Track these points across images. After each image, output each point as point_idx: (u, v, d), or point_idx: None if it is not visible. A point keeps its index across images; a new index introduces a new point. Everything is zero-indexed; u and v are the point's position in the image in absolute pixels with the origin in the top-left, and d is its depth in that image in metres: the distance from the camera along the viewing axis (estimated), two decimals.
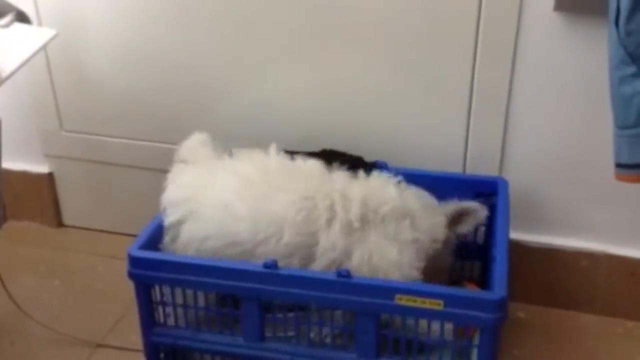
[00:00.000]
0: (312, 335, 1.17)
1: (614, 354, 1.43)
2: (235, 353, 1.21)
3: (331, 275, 1.11)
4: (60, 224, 1.81)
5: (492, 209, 1.35)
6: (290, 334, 1.18)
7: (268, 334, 1.19)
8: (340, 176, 1.26)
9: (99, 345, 1.43)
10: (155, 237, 1.25)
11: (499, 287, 1.07)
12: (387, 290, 1.09)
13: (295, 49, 1.46)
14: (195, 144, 1.34)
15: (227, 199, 1.20)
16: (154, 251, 1.22)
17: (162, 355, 1.25)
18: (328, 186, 1.22)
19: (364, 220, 1.20)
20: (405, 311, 1.10)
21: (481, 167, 1.44)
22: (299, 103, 1.51)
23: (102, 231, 1.78)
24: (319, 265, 1.18)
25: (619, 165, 1.19)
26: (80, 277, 1.64)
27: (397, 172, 1.37)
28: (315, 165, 1.26)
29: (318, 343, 1.18)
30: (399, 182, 1.26)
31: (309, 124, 1.52)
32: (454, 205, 1.26)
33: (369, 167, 1.41)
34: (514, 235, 1.43)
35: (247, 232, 1.18)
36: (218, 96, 1.55)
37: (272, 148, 1.28)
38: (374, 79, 1.45)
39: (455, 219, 1.26)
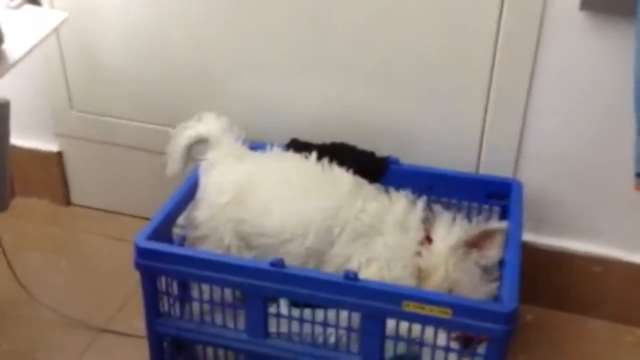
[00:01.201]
0: (316, 333, 1.16)
1: None
2: (238, 348, 1.20)
3: (338, 277, 1.09)
4: (68, 202, 1.80)
5: (505, 211, 1.33)
6: (295, 330, 1.17)
7: (272, 329, 1.17)
8: (368, 192, 1.28)
9: (103, 330, 1.43)
10: (164, 226, 1.24)
11: (510, 298, 1.05)
12: (394, 295, 1.07)
13: (309, 39, 1.43)
14: (217, 127, 1.35)
15: (266, 193, 1.26)
16: (160, 241, 1.20)
17: (165, 344, 1.24)
18: (354, 201, 1.25)
19: (372, 228, 1.23)
20: (412, 318, 1.08)
21: (495, 167, 1.41)
22: (313, 97, 1.49)
23: (109, 212, 1.76)
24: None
25: (638, 175, 1.16)
26: (87, 258, 1.64)
27: (408, 169, 1.36)
28: (348, 179, 1.29)
29: (322, 343, 1.16)
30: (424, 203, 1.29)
31: (320, 116, 1.49)
32: (477, 228, 1.24)
33: (380, 163, 1.39)
34: (526, 236, 1.40)
35: (275, 228, 1.23)
36: (227, 81, 1.52)
37: (313, 155, 1.32)
38: (389, 74, 1.42)
39: (480, 242, 1.23)
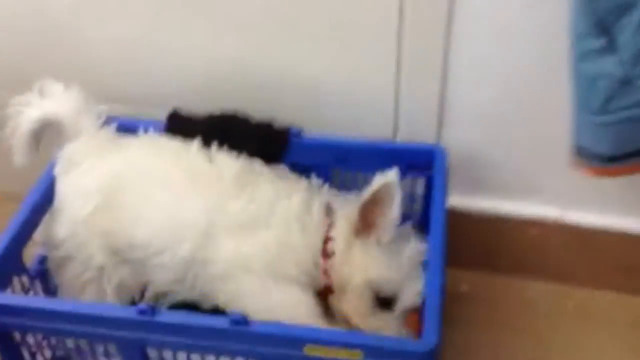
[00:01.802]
0: None
1: (564, 332, 1.26)
2: None
3: (223, 323, 0.89)
4: None
5: (430, 181, 1.13)
6: None
7: None
8: (258, 179, 1.06)
9: None
10: (11, 255, 1.01)
11: (429, 334, 0.86)
12: (293, 340, 0.88)
13: None
14: (69, 106, 1.09)
15: (138, 197, 1.04)
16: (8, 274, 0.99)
17: None
18: (239, 192, 1.03)
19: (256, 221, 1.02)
20: None
21: (415, 132, 1.19)
22: (193, 50, 1.21)
23: None
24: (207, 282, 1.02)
25: (580, 150, 0.96)
26: None
27: (314, 141, 1.13)
28: (233, 168, 1.06)
29: None
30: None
31: (205, 76, 1.23)
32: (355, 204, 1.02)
33: (280, 136, 1.16)
34: (457, 202, 1.23)
35: (144, 238, 1.02)
36: (79, 29, 1.23)
37: (195, 144, 1.08)
38: (284, 21, 1.15)
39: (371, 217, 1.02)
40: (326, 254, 1.02)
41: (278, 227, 1.01)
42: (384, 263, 1.00)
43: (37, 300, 1.02)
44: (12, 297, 1.00)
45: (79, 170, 1.07)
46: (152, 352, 0.95)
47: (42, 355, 1.02)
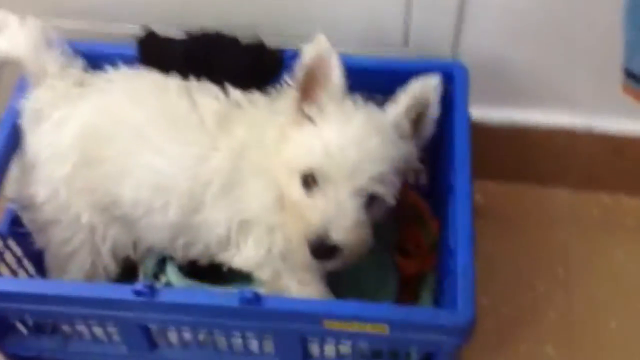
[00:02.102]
0: (219, 345, 0.88)
1: (589, 242, 1.18)
2: None
3: (232, 300, 0.78)
4: None
5: (446, 100, 0.99)
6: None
7: (160, 339, 0.89)
8: (244, 116, 0.91)
9: None
10: None
11: (465, 305, 0.77)
12: (311, 316, 0.78)
13: None
14: (26, 42, 0.93)
15: (119, 148, 0.91)
16: None
17: None
18: (224, 139, 0.89)
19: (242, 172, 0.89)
20: (340, 336, 0.80)
21: (429, 38, 1.03)
22: None
23: None
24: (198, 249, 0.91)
25: (630, 75, 0.82)
26: None
27: None
28: (213, 110, 0.91)
29: (227, 347, 0.89)
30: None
31: None
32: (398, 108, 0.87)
33: (273, 59, 1.00)
34: (478, 113, 1.08)
35: (129, 198, 0.90)
36: None
37: (173, 83, 0.93)
38: None
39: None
40: None
41: (253, 177, 0.89)
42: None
43: (24, 283, 0.91)
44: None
45: (49, 124, 0.93)
46: (155, 330, 0.85)
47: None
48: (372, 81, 0.97)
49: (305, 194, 0.82)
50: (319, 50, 0.82)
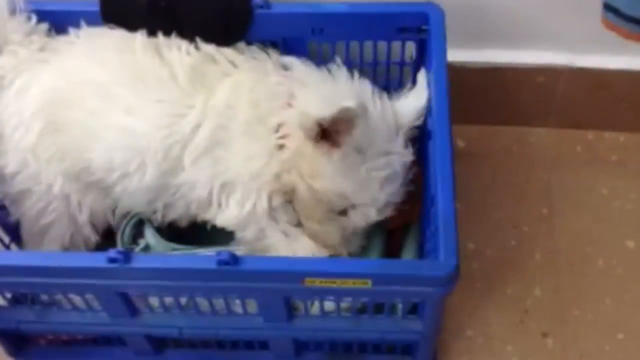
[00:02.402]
0: (201, 308, 0.87)
1: (573, 179, 1.17)
2: (101, 332, 0.92)
3: (209, 262, 0.76)
4: None
5: (422, 44, 0.96)
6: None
7: (141, 305, 0.88)
8: (218, 73, 0.88)
9: None
10: None
11: (448, 254, 0.75)
12: (290, 275, 0.76)
13: None
14: None
15: (85, 112, 0.87)
16: None
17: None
18: (196, 95, 0.85)
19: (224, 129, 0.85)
20: (322, 293, 0.79)
21: None
22: None
23: None
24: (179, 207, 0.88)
25: (610, 9, 0.80)
26: None
27: (283, 12, 0.95)
28: (184, 64, 0.87)
29: (209, 310, 0.87)
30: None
31: None
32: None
33: (241, 8, 0.97)
34: (454, 56, 1.05)
35: (102, 162, 0.86)
36: None
37: (138, 38, 0.89)
38: None
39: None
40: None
41: (242, 137, 0.85)
42: (336, 175, 0.84)
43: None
44: None
45: (12, 92, 0.89)
46: (134, 296, 0.84)
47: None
48: (347, 26, 0.94)
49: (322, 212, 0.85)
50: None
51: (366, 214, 0.85)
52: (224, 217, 0.86)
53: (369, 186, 0.84)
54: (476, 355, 1.04)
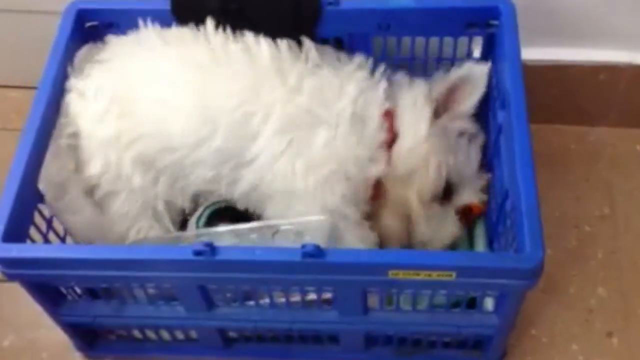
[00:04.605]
0: (278, 301, 0.87)
1: (633, 178, 1.16)
2: (177, 326, 0.92)
3: (293, 255, 0.77)
4: None
5: (490, 40, 0.96)
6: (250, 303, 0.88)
7: (218, 299, 0.88)
8: (302, 63, 0.91)
9: None
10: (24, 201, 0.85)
11: (534, 246, 0.75)
12: (375, 267, 0.77)
13: None
14: None
15: (165, 89, 0.90)
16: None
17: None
18: (281, 77, 0.89)
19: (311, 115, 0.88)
20: (405, 285, 0.79)
21: None
22: None
23: None
24: (248, 179, 0.89)
25: None
26: None
27: (351, 8, 0.96)
28: (267, 48, 0.90)
29: (285, 306, 0.88)
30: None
31: None
32: (440, 83, 0.91)
33: (310, 5, 0.97)
34: None
35: (178, 134, 0.89)
36: None
37: (209, 25, 0.92)
38: None
39: (446, 101, 0.91)
40: (390, 143, 0.90)
41: (338, 125, 0.87)
42: (458, 151, 0.91)
43: (79, 249, 0.89)
44: (50, 247, 0.87)
45: (90, 97, 0.92)
46: (212, 289, 0.84)
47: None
48: (414, 22, 0.95)
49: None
50: (479, 71, 0.90)
51: (474, 194, 0.91)
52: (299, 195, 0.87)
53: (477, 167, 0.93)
54: (541, 354, 1.03)
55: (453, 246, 0.96)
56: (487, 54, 0.98)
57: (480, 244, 0.96)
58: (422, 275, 0.75)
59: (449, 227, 0.92)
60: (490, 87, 0.95)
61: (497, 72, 0.93)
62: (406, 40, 0.99)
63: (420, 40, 0.99)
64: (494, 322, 0.85)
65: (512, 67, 0.86)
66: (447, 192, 0.92)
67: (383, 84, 0.92)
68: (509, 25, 0.91)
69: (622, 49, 1.09)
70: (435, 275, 0.75)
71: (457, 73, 0.91)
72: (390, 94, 0.92)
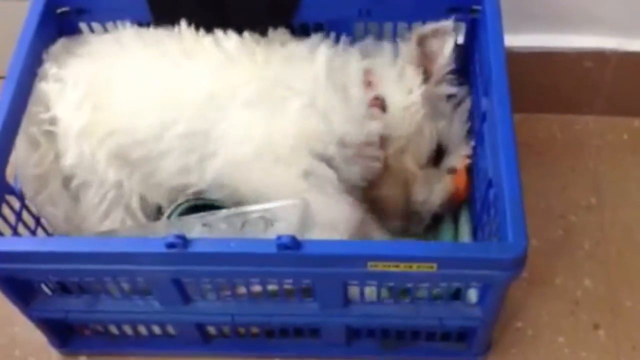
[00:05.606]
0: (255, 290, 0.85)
1: (619, 168, 1.14)
2: (152, 320, 0.90)
3: (268, 247, 0.74)
4: None
5: (474, 25, 0.94)
6: (226, 293, 0.85)
7: (193, 292, 0.86)
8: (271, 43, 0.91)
9: None
10: None
11: (517, 235, 0.73)
12: (354, 258, 0.74)
13: None
14: None
15: (138, 85, 0.90)
16: None
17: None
18: (249, 58, 0.89)
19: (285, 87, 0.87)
20: (385, 277, 0.77)
21: None
22: None
23: None
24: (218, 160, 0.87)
25: None
26: None
27: None
28: (234, 37, 0.91)
29: (264, 299, 0.85)
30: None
31: None
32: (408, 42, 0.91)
33: None
34: None
35: (146, 124, 0.88)
36: None
37: (183, 23, 0.92)
38: None
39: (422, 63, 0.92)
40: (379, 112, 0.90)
41: (311, 92, 0.86)
42: (445, 116, 0.94)
43: (49, 242, 0.86)
44: (18, 240, 0.85)
45: (68, 88, 0.91)
46: (187, 283, 0.82)
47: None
48: (395, 6, 0.94)
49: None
50: (442, 26, 0.89)
51: (461, 157, 0.93)
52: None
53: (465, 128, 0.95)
54: (527, 346, 1.01)
55: (438, 236, 0.94)
56: (470, 41, 0.96)
57: (465, 234, 0.94)
58: (402, 267, 0.73)
59: (443, 186, 0.93)
60: (474, 74, 0.93)
61: (480, 59, 0.91)
62: (388, 25, 0.97)
63: (402, 25, 0.97)
64: (477, 314, 0.83)
65: (496, 53, 0.84)
66: (437, 156, 0.94)
67: (355, 46, 0.92)
68: (492, 11, 0.89)
69: (608, 35, 1.07)
70: (415, 267, 0.73)
71: (421, 29, 0.90)
72: (364, 55, 0.92)
